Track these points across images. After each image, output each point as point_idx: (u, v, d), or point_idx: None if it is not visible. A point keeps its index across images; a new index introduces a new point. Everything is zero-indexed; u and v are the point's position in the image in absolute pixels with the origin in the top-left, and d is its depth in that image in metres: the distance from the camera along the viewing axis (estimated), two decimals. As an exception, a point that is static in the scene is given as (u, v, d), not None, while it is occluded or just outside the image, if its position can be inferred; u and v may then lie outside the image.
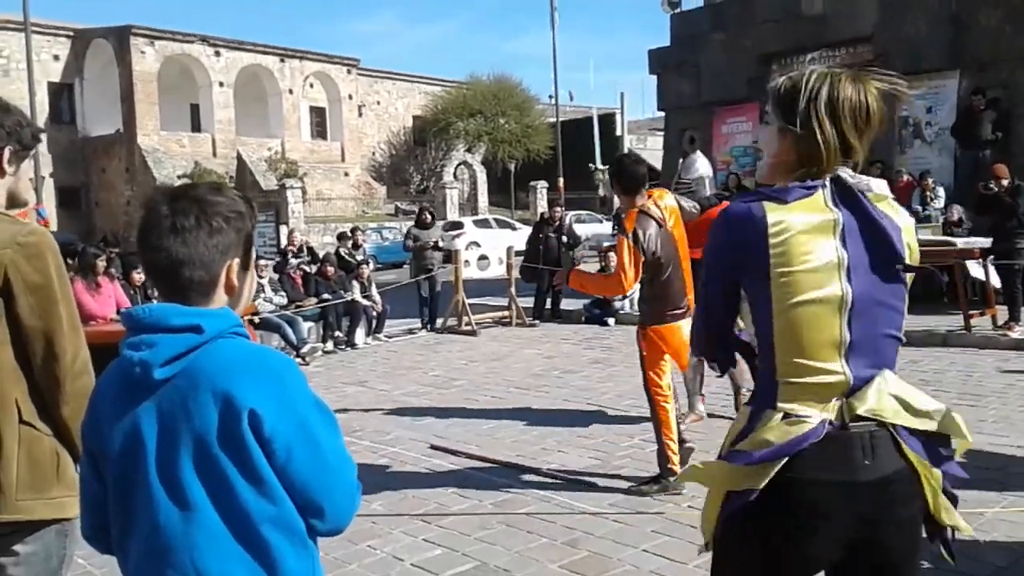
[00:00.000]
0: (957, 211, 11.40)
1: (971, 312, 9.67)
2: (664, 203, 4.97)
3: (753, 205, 1.76)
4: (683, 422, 5.55)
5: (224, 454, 1.47)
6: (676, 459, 4.88)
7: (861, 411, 1.73)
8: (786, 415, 1.74)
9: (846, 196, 1.78)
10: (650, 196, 4.96)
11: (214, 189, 1.59)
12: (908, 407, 1.76)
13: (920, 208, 12.18)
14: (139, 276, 9.76)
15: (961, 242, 10.35)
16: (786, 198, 1.75)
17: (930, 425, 1.77)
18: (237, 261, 1.58)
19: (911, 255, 1.80)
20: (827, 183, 1.78)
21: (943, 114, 12.86)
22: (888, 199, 1.82)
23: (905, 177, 12.76)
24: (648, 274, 4.85)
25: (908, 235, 1.80)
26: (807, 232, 1.73)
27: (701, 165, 10.62)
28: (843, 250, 1.73)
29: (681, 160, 11.03)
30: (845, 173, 1.80)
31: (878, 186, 1.82)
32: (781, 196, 1.76)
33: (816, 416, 1.73)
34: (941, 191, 12.29)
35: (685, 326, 4.79)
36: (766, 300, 1.74)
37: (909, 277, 1.81)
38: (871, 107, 1.79)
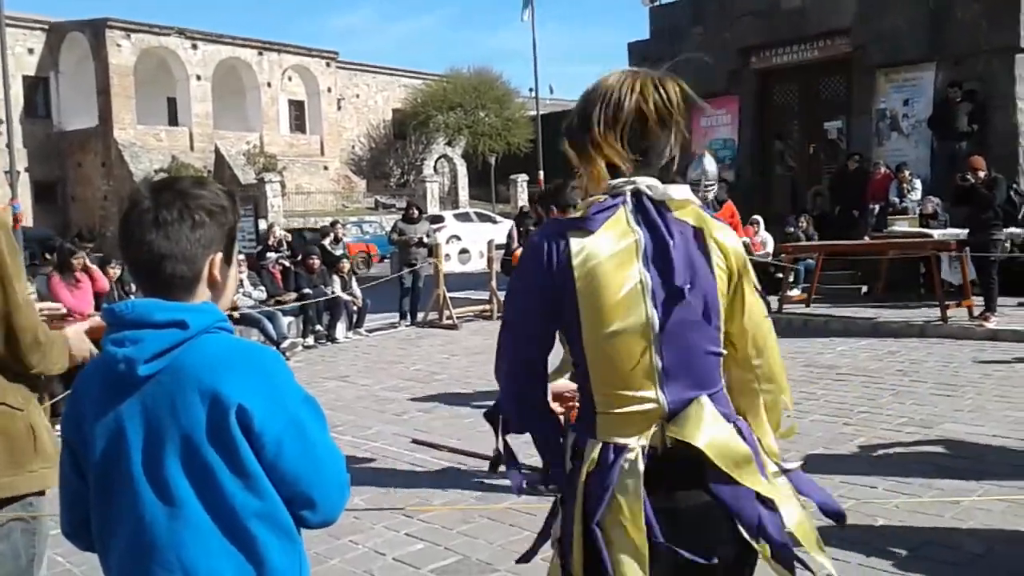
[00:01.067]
0: (933, 203, 11.51)
1: (948, 303, 9.78)
2: None
3: (556, 237, 1.68)
4: None
5: (212, 450, 1.46)
6: None
7: (679, 436, 1.67)
8: (605, 445, 1.70)
9: (646, 211, 1.69)
10: None
11: (197, 183, 1.58)
12: (719, 443, 1.68)
13: (897, 200, 12.30)
14: (114, 271, 9.64)
15: (938, 234, 10.47)
16: (592, 227, 1.67)
17: (738, 472, 1.69)
18: (220, 255, 1.57)
19: (724, 259, 1.71)
20: (628, 198, 1.70)
21: (920, 106, 12.97)
22: (692, 205, 1.72)
23: (882, 169, 12.87)
24: None
25: (718, 237, 1.71)
26: (611, 259, 1.65)
27: (708, 163, 10.38)
28: (647, 273, 1.65)
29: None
30: (643, 184, 1.70)
31: (679, 192, 1.71)
32: (586, 226, 1.67)
33: (635, 444, 1.69)
34: (918, 183, 12.39)
35: None
36: (577, 333, 1.68)
37: (725, 282, 1.71)
38: (648, 112, 1.68)
